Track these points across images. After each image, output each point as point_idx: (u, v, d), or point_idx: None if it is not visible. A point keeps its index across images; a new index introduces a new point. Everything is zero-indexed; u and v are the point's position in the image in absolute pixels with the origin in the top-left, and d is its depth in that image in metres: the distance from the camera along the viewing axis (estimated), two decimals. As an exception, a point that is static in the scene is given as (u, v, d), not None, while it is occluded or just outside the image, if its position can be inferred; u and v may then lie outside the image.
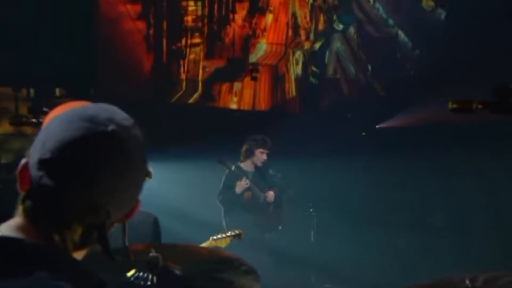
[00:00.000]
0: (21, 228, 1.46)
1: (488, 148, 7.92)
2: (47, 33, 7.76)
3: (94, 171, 1.45)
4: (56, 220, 1.46)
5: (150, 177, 4.12)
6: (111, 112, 1.52)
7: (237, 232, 5.37)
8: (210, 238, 5.23)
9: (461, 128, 7.86)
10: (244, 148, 7.75)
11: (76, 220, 1.47)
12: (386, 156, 8.41)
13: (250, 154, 7.69)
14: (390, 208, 8.51)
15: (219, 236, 5.27)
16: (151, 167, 4.06)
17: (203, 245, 4.90)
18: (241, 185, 7.53)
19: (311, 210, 7.97)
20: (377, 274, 7.86)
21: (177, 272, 2.67)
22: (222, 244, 5.19)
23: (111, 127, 1.48)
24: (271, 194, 7.73)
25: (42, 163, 1.46)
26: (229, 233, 5.33)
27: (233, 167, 7.61)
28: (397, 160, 8.40)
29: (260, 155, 7.64)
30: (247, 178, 7.56)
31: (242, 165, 7.73)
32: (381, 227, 8.43)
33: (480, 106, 1.98)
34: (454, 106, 2.02)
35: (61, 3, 7.84)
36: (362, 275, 7.84)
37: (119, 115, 1.53)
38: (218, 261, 3.05)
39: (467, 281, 2.60)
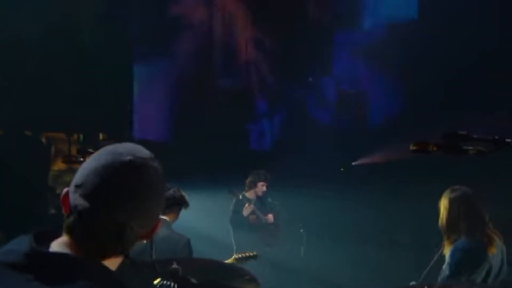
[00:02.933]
0: (66, 244, 1.45)
1: (443, 180, 7.89)
2: (93, 90, 7.82)
3: (115, 193, 1.44)
4: (90, 236, 1.44)
5: (187, 206, 4.16)
6: (132, 148, 1.52)
7: (253, 253, 5.36)
8: (233, 257, 5.22)
9: (421, 164, 7.85)
10: (248, 179, 7.75)
11: (105, 235, 1.44)
12: (361, 186, 8.41)
13: (253, 185, 7.68)
14: (365, 228, 8.48)
15: (239, 255, 5.26)
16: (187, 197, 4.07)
17: (227, 261, 4.89)
18: (248, 209, 7.51)
19: (301, 230, 7.97)
20: (354, 281, 7.81)
21: (193, 280, 2.64)
22: (241, 262, 5.17)
23: (128, 157, 1.47)
24: (270, 217, 7.70)
25: (76, 188, 1.46)
26: (247, 254, 5.32)
27: (240, 196, 7.60)
28: (370, 190, 8.40)
29: (261, 187, 7.64)
30: (251, 204, 7.55)
31: (247, 194, 7.71)
32: (357, 243, 8.42)
33: (435, 148, 1.98)
34: (414, 147, 2.02)
35: (104, 71, 7.92)
36: (341, 281, 7.79)
37: (139, 149, 1.52)
38: (225, 271, 3.03)
39: (426, 288, 2.57)
